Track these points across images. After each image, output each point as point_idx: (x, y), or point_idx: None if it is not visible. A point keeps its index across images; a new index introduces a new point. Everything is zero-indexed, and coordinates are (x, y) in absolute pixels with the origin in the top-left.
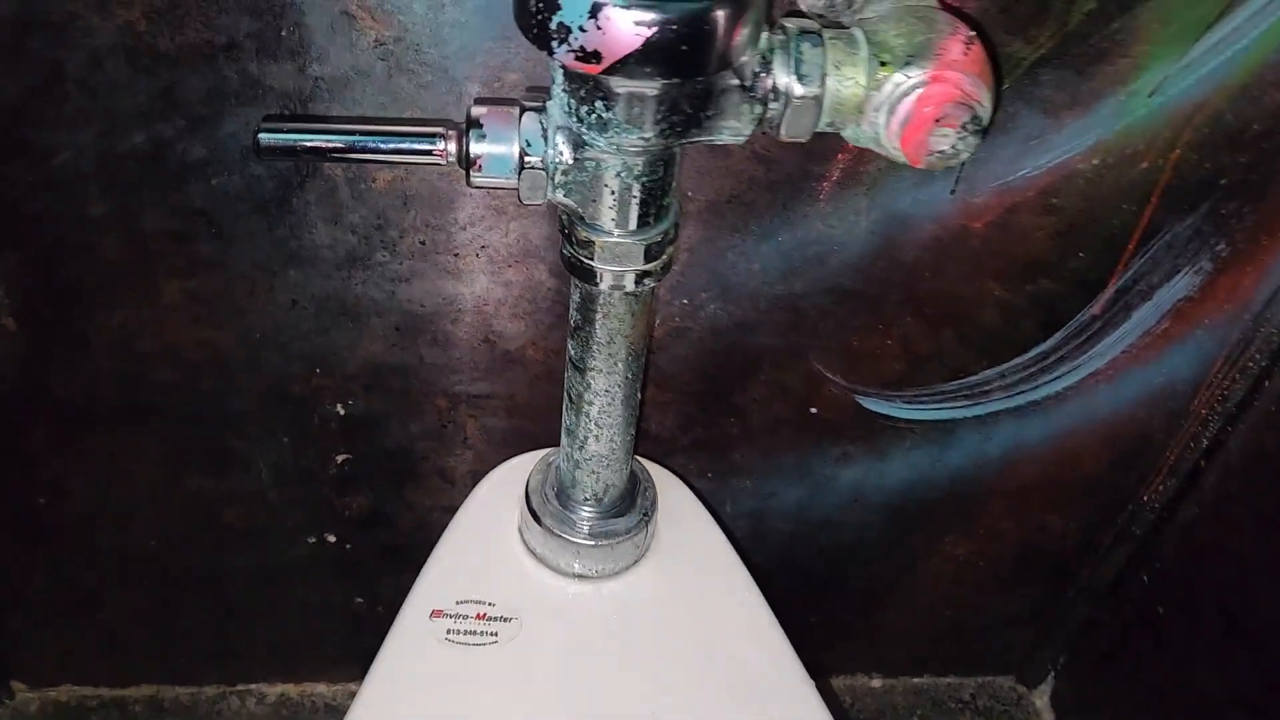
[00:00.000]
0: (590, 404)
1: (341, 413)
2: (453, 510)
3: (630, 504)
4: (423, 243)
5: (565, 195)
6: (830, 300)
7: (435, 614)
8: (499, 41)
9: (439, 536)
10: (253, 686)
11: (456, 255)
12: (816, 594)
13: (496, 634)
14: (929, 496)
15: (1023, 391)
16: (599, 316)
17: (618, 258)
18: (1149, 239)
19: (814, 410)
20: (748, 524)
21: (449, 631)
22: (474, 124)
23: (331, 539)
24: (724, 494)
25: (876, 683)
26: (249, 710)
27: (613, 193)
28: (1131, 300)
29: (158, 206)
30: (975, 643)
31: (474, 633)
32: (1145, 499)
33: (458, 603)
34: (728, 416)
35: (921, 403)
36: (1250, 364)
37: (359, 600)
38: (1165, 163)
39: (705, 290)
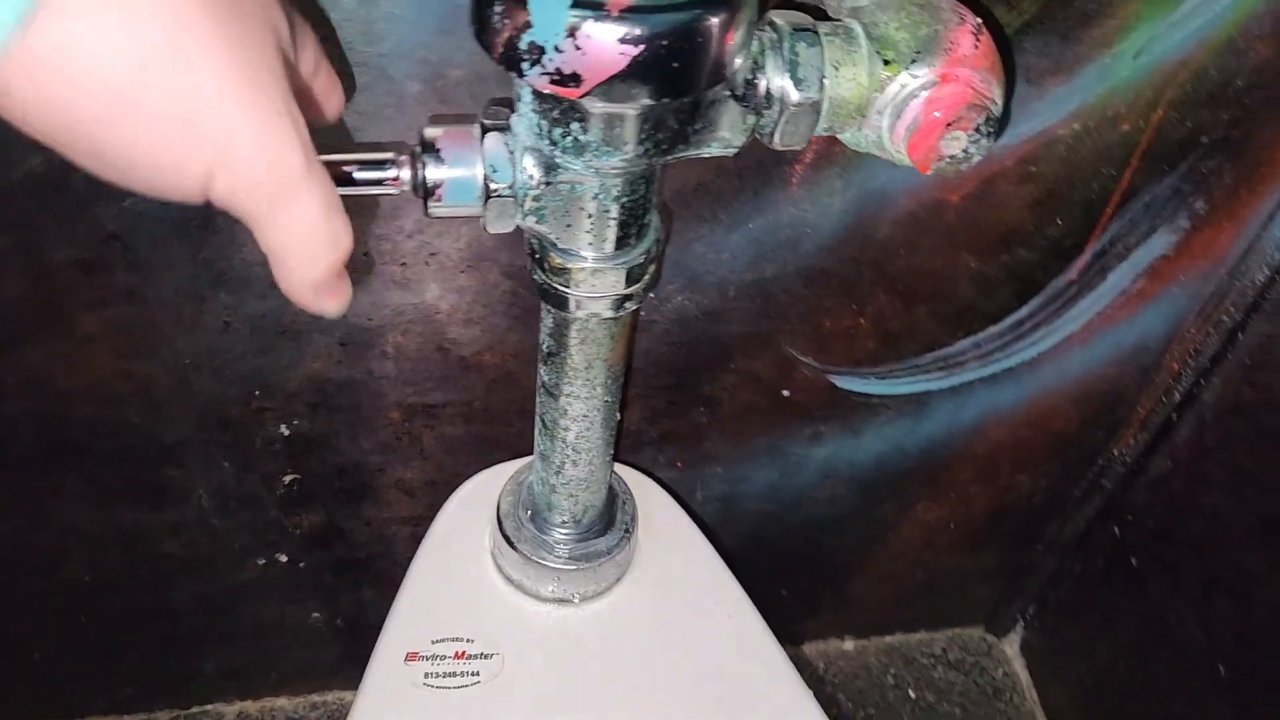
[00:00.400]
0: (567, 429)
1: (286, 433)
2: (413, 522)
3: (610, 522)
4: (366, 254)
5: (537, 222)
6: (802, 283)
7: (410, 657)
8: (440, 35)
9: (399, 549)
10: (209, 707)
11: (404, 265)
12: (788, 568)
13: (478, 673)
14: (901, 467)
15: (997, 360)
16: (575, 343)
17: (596, 284)
18: (1128, 201)
19: (786, 393)
20: (718, 508)
21: (427, 675)
22: (429, 147)
23: (283, 559)
24: (694, 481)
25: (849, 645)
26: None
27: (589, 216)
28: (1108, 263)
29: (64, 235)
30: (945, 599)
31: (454, 674)
32: (1116, 453)
33: (433, 642)
34: (697, 407)
35: (896, 377)
36: (1224, 317)
37: (316, 616)
38: (1147, 124)
39: (671, 282)
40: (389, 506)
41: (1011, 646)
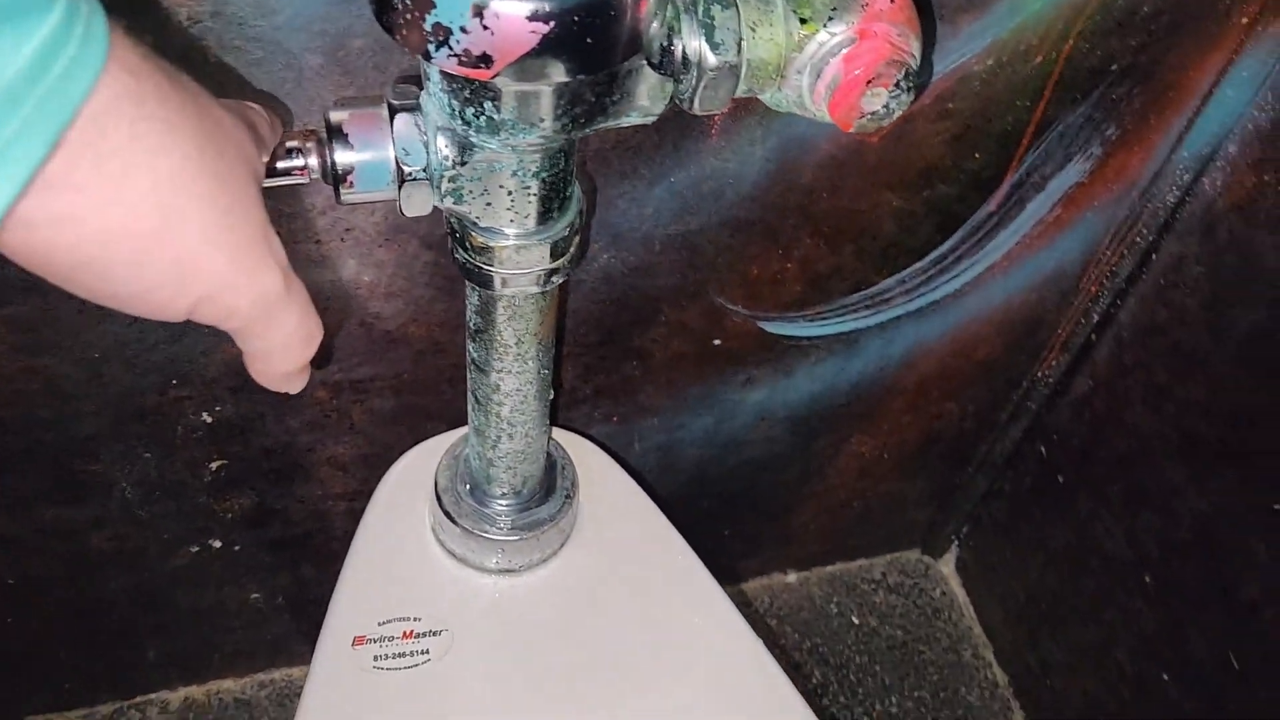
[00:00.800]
0: (500, 404)
1: (209, 420)
2: (348, 497)
3: (550, 489)
4: (277, 233)
5: (455, 202)
6: (727, 233)
7: (358, 641)
8: (338, 4)
9: (336, 524)
10: (153, 696)
11: (319, 242)
12: (729, 509)
13: (428, 651)
14: (833, 403)
15: (923, 294)
16: (503, 320)
17: (521, 260)
18: (1042, 132)
19: (717, 342)
20: (657, 457)
21: (376, 658)
22: (336, 132)
23: (217, 544)
24: (631, 434)
25: (792, 578)
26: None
27: (510, 193)
28: (1025, 193)
29: None
30: (881, 525)
31: (403, 654)
32: (1039, 375)
33: (380, 624)
34: (629, 360)
35: (824, 319)
36: (1138, 239)
37: (256, 596)
38: (1058, 55)
39: (596, 241)
40: (322, 484)
41: (947, 566)
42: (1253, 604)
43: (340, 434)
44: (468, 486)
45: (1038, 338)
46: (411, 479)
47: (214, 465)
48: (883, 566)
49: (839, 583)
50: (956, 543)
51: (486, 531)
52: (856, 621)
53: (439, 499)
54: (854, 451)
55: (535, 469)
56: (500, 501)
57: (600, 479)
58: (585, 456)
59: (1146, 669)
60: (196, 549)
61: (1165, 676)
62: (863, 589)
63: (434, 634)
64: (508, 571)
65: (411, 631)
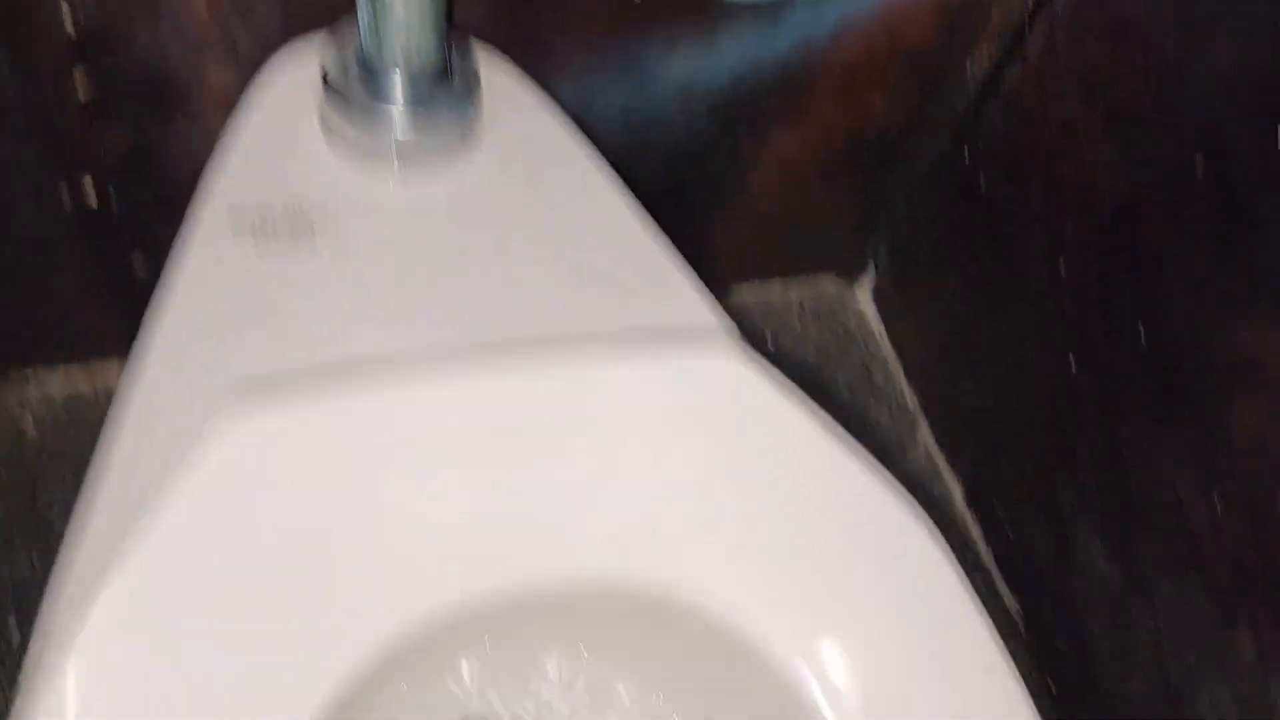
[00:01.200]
0: None
1: (72, 32)
2: None
3: (447, 74)
4: None
5: None
6: None
7: (235, 216)
8: None
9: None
10: (29, 375)
11: None
12: (648, 203)
13: (314, 237)
14: (757, 87)
15: None
16: None
17: None
18: None
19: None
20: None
21: (254, 234)
22: None
23: (90, 195)
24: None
25: None
26: (35, 413)
27: None
28: None
29: None
30: (800, 248)
31: (286, 240)
32: (969, 71)
33: (260, 205)
34: (544, 8)
35: None
36: None
37: (140, 261)
38: None
39: None
40: (205, 118)
41: (863, 290)
42: (1167, 278)
43: (224, 60)
44: (359, 66)
45: (970, 23)
46: (297, 67)
47: (81, 92)
48: (798, 290)
49: (756, 305)
50: (874, 266)
51: (378, 110)
52: (771, 346)
53: (326, 78)
54: (776, 146)
55: (431, 43)
56: (393, 79)
57: (502, 88)
58: (491, 64)
59: (1055, 357)
60: (67, 194)
61: (1073, 365)
62: (779, 312)
63: (321, 219)
64: (403, 160)
65: (297, 219)
